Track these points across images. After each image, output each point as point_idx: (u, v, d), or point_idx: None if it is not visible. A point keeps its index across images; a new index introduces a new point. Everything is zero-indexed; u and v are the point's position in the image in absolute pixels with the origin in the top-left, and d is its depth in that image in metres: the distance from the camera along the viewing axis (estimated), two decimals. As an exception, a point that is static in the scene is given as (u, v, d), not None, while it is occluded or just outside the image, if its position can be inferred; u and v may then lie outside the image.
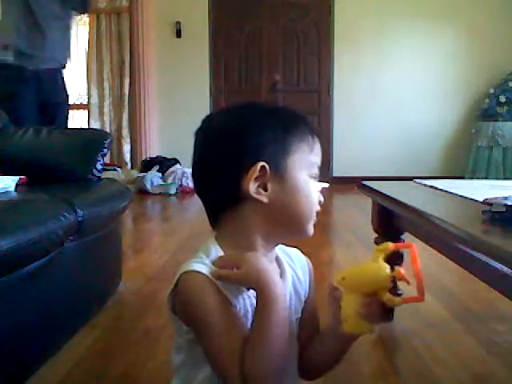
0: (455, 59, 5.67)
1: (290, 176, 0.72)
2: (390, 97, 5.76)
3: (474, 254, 0.91)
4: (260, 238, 0.74)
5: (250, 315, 0.71)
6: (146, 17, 5.58)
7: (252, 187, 0.70)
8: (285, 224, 0.74)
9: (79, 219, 1.42)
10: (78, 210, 1.43)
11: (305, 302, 0.82)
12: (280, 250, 0.81)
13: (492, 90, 5.37)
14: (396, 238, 1.66)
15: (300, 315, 0.81)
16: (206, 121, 0.77)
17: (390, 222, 1.54)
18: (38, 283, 1.26)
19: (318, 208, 0.77)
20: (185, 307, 0.69)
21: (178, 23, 5.69)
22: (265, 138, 0.72)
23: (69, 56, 3.27)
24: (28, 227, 1.17)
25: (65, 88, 3.25)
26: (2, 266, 1.08)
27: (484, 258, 0.86)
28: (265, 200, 0.71)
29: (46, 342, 1.33)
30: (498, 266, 0.79)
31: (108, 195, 1.81)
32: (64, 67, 3.24)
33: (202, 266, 0.70)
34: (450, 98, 5.74)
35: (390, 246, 0.69)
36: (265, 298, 0.67)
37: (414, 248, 0.68)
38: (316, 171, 0.77)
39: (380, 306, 0.68)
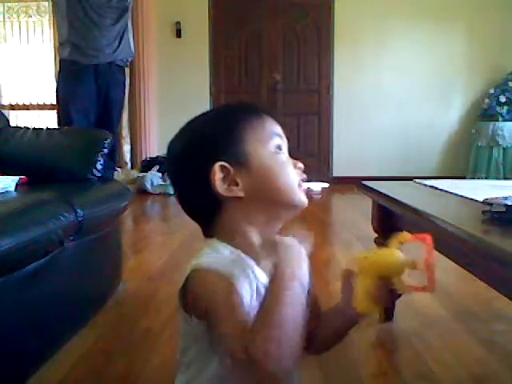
0: (455, 59, 5.67)
1: (253, 160, 0.73)
2: (390, 97, 5.76)
3: (474, 254, 0.91)
4: (256, 230, 0.75)
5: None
6: (146, 17, 5.57)
7: (221, 188, 0.72)
8: (272, 206, 0.75)
9: (79, 219, 1.42)
10: (78, 210, 1.43)
11: (308, 291, 0.82)
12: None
13: (492, 90, 5.37)
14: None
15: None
16: (168, 147, 0.80)
17: (390, 222, 1.54)
18: (38, 283, 1.26)
19: (301, 175, 0.78)
20: (200, 299, 0.68)
21: (178, 23, 5.69)
22: (216, 139, 0.75)
23: (130, 52, 3.22)
24: (28, 227, 1.17)
25: (122, 85, 3.26)
26: (2, 266, 1.08)
27: (484, 257, 0.86)
28: (240, 194, 0.73)
29: (46, 341, 1.33)
30: (498, 266, 0.79)
31: (108, 195, 1.81)
32: (126, 64, 3.23)
33: (211, 260, 0.70)
34: (450, 98, 5.74)
35: (408, 236, 0.72)
36: (281, 273, 0.66)
37: (430, 239, 0.70)
38: (278, 142, 0.77)
39: (389, 291, 0.71)
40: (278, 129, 0.79)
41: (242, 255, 0.73)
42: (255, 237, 0.75)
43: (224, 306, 0.66)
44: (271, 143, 0.76)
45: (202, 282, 0.68)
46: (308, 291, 0.79)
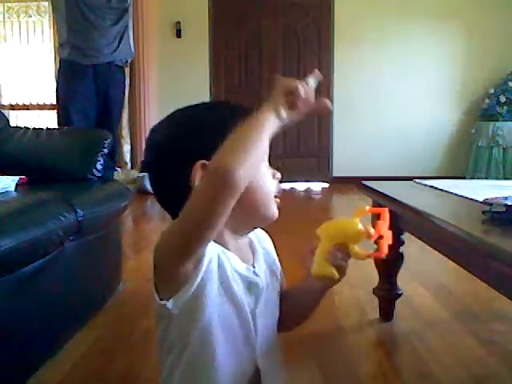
0: (455, 59, 5.67)
1: None
2: (390, 97, 5.76)
3: (474, 254, 0.91)
4: (227, 230, 0.75)
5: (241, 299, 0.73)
6: (146, 17, 5.57)
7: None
8: (244, 213, 0.74)
9: (79, 219, 1.42)
10: (78, 210, 1.43)
11: (280, 275, 0.86)
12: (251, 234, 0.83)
13: (492, 90, 5.37)
14: (396, 238, 1.66)
15: (279, 290, 0.85)
16: (151, 134, 0.79)
17: (390, 222, 1.54)
18: (38, 283, 1.26)
19: (277, 187, 0.77)
20: (155, 254, 0.69)
21: (178, 23, 5.69)
22: (203, 138, 0.73)
23: (129, 52, 3.22)
24: (28, 227, 1.17)
25: (122, 85, 3.26)
26: (2, 266, 1.08)
27: (484, 257, 0.86)
28: None
29: (46, 341, 1.33)
30: (498, 265, 0.79)
31: (108, 195, 1.81)
32: (125, 64, 3.22)
33: None
34: (450, 98, 5.74)
35: (366, 209, 0.77)
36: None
37: (386, 211, 0.77)
38: None
39: (345, 256, 0.74)
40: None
41: (217, 244, 0.73)
42: (229, 236, 0.76)
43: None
44: None
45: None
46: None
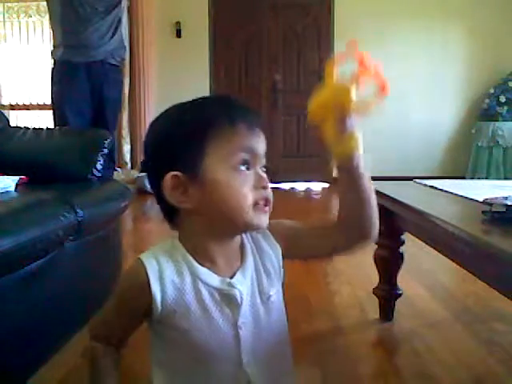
0: (455, 59, 5.67)
1: (208, 174, 0.70)
2: (390, 96, 5.68)
3: (474, 254, 0.91)
4: (210, 239, 0.74)
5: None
6: (145, 17, 5.57)
7: (171, 198, 0.71)
8: (223, 222, 0.72)
9: (79, 219, 1.42)
10: (78, 210, 1.43)
11: (279, 268, 0.81)
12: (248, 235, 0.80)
13: (492, 90, 5.37)
14: (396, 238, 1.66)
15: (272, 293, 0.79)
16: (148, 129, 0.79)
17: (390, 221, 1.54)
18: (37, 283, 1.26)
19: (262, 195, 0.72)
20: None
21: (178, 23, 5.69)
22: (178, 145, 0.72)
23: (122, 46, 3.19)
24: (28, 227, 1.17)
25: (118, 85, 3.24)
26: (2, 266, 1.08)
27: (484, 257, 0.86)
28: (189, 206, 0.71)
29: (47, 342, 1.33)
30: (498, 265, 0.79)
31: (108, 195, 1.81)
32: (120, 62, 3.20)
33: (150, 258, 0.74)
34: (450, 98, 5.74)
35: (336, 58, 0.72)
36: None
37: (362, 54, 0.71)
38: (243, 157, 0.71)
39: (351, 120, 0.71)
40: (250, 140, 0.72)
41: (190, 258, 0.74)
42: (214, 244, 0.74)
43: (111, 300, 0.81)
44: (234, 159, 0.70)
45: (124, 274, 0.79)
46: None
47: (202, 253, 0.74)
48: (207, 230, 0.73)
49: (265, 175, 0.73)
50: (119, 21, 3.12)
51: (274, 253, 0.81)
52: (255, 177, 0.72)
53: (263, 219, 0.73)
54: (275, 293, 0.79)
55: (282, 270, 0.82)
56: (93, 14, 2.98)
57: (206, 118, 0.72)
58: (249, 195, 0.71)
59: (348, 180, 0.76)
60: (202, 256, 0.74)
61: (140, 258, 0.74)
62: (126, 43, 3.31)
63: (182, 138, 0.72)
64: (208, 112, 0.73)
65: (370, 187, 0.77)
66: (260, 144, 0.74)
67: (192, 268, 0.73)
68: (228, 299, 0.73)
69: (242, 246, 0.79)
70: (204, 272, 0.73)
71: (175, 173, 0.70)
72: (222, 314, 0.73)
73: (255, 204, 0.71)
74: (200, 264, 0.74)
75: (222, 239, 0.75)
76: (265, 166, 0.75)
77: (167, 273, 0.72)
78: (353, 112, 0.70)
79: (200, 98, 0.77)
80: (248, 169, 0.72)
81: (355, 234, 0.79)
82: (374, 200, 0.78)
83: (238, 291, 0.74)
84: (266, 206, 0.73)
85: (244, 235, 0.80)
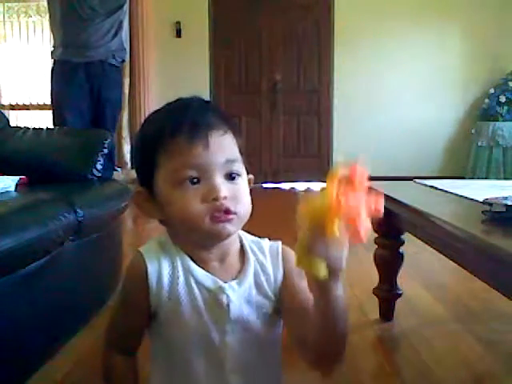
0: (455, 59, 5.67)
1: (159, 191, 0.72)
2: (390, 97, 5.75)
3: (474, 254, 0.91)
4: (192, 245, 0.74)
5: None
6: (145, 17, 5.57)
7: (140, 211, 0.76)
8: (189, 233, 0.72)
9: (79, 219, 1.42)
10: (78, 210, 1.43)
11: (275, 296, 0.76)
12: (252, 242, 0.79)
13: (492, 90, 5.37)
14: (396, 238, 1.66)
15: (268, 310, 0.75)
16: None
17: (390, 222, 1.54)
18: (37, 283, 1.26)
19: (213, 208, 0.68)
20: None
21: (178, 23, 5.69)
22: (139, 163, 0.77)
23: (122, 48, 3.18)
24: (28, 227, 1.17)
25: (118, 85, 3.23)
26: (2, 266, 1.08)
27: (484, 258, 0.86)
28: (159, 217, 0.75)
29: (46, 341, 1.33)
30: (498, 265, 0.79)
31: (108, 195, 1.81)
32: (120, 63, 3.19)
33: (149, 250, 0.76)
34: (450, 98, 5.74)
35: (340, 170, 0.59)
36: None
37: (360, 171, 0.59)
38: (187, 174, 0.68)
39: (324, 239, 0.58)
40: (194, 156, 0.68)
41: (184, 255, 0.74)
42: (197, 247, 0.75)
43: (117, 298, 0.80)
44: (179, 175, 0.68)
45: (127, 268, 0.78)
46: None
47: (195, 254, 0.75)
48: (184, 237, 0.75)
49: (218, 185, 0.68)
50: (120, 23, 3.12)
51: (274, 265, 0.77)
52: (204, 190, 0.68)
53: (222, 228, 0.69)
54: (270, 307, 0.76)
55: (277, 296, 0.76)
56: (93, 15, 2.99)
57: (155, 132, 0.72)
58: (199, 209, 0.68)
59: (315, 297, 0.68)
60: (195, 255, 0.75)
61: (139, 249, 0.76)
62: (127, 45, 3.31)
63: (138, 153, 0.77)
64: (156, 125, 0.73)
65: (343, 311, 0.67)
66: (212, 155, 0.68)
67: (186, 265, 0.74)
68: (217, 302, 0.73)
69: (245, 254, 0.77)
70: (197, 270, 0.74)
71: (139, 188, 0.75)
72: (212, 314, 0.73)
73: (211, 217, 0.68)
74: (194, 262, 0.74)
75: (204, 245, 0.74)
76: (232, 173, 0.70)
77: (164, 265, 0.74)
78: (328, 232, 0.58)
79: (161, 108, 0.78)
80: (197, 182, 0.69)
81: (319, 356, 0.72)
82: (342, 324, 0.68)
83: (226, 297, 0.72)
84: (226, 214, 0.68)
85: (248, 248, 0.77)
